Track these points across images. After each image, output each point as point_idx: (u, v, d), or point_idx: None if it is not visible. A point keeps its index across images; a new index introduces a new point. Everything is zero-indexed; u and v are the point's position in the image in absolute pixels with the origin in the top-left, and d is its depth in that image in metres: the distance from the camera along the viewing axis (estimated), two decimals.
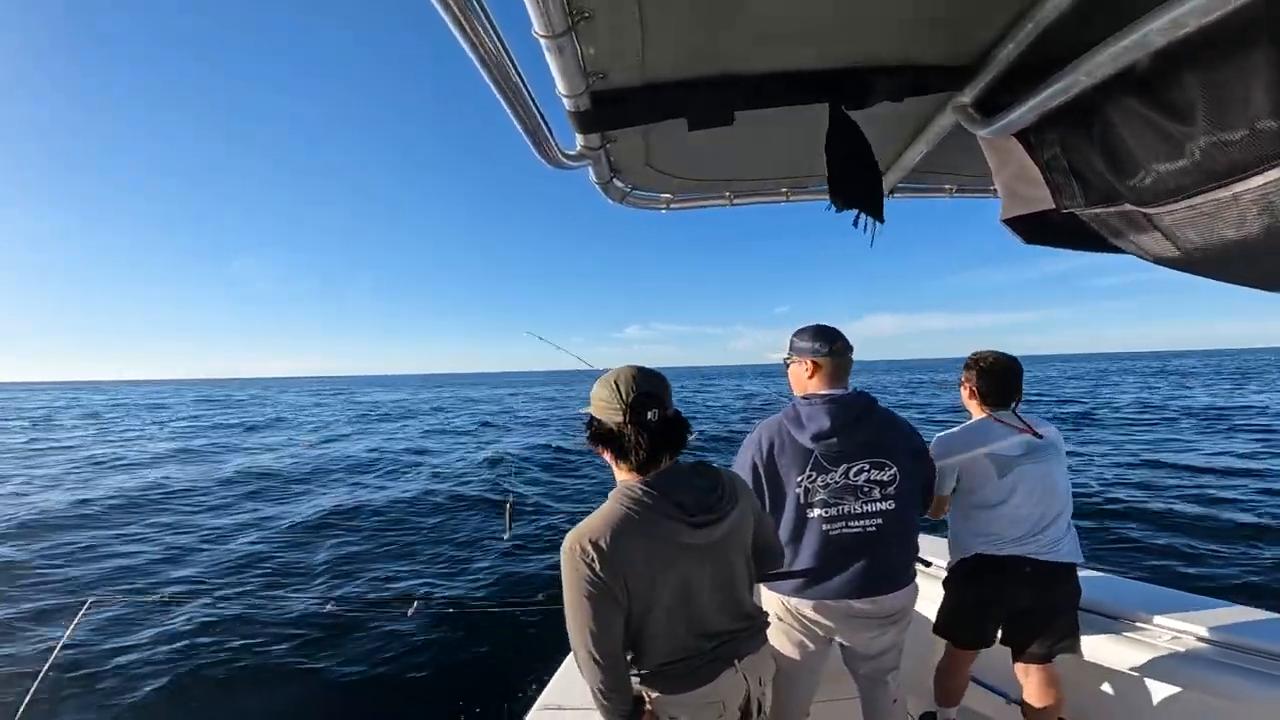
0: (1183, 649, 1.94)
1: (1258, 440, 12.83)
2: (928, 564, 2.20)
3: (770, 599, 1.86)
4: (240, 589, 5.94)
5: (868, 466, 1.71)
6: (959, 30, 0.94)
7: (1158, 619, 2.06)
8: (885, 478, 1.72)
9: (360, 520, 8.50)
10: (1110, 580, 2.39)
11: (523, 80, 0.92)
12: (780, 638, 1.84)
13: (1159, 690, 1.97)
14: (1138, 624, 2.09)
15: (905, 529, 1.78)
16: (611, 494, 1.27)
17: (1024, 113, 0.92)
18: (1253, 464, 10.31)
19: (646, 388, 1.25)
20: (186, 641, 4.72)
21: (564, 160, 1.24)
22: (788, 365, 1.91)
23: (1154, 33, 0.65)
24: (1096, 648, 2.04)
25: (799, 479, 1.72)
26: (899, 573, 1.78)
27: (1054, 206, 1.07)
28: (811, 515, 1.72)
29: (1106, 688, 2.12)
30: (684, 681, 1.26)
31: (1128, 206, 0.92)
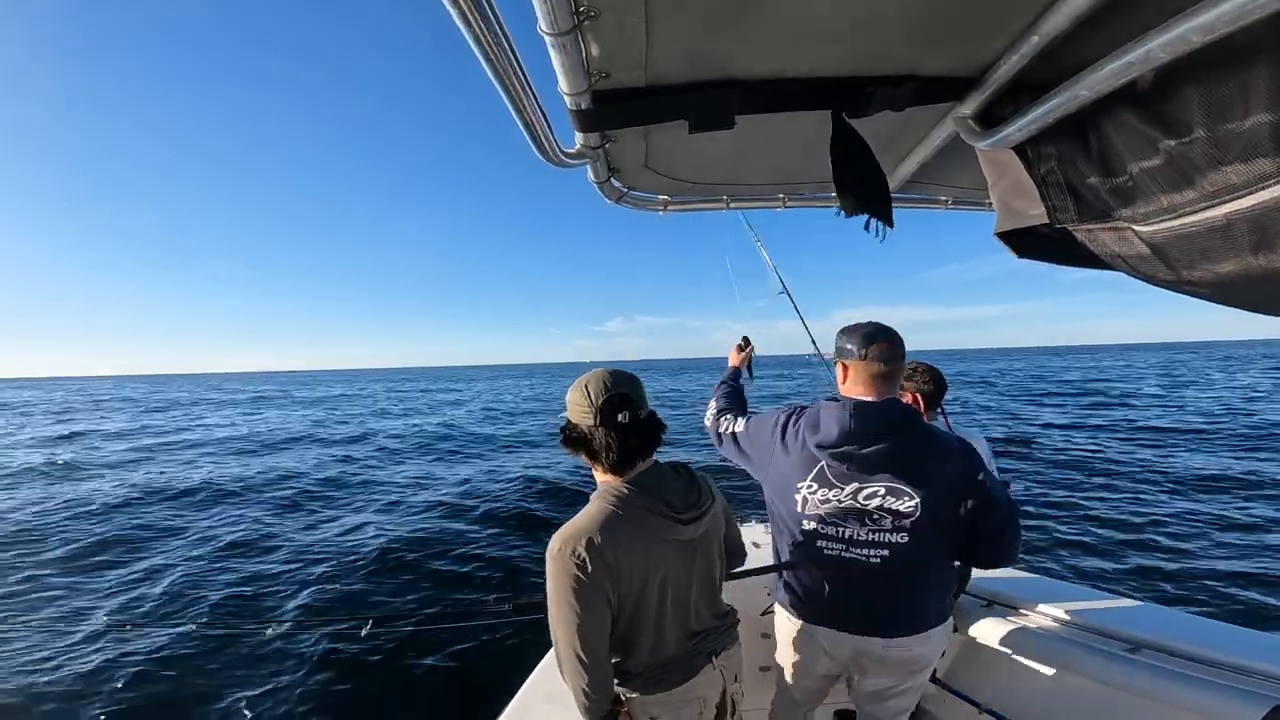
0: (1062, 632, 2.10)
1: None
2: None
3: (781, 619, 1.76)
4: (182, 607, 5.41)
5: (883, 491, 1.49)
6: (964, 42, 0.94)
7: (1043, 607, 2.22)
8: (903, 508, 1.48)
9: (304, 537, 7.65)
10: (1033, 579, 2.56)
11: (525, 76, 0.91)
12: (785, 656, 1.73)
13: (1047, 672, 2.12)
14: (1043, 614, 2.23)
15: (919, 569, 1.52)
16: (595, 494, 1.27)
17: (1023, 126, 0.93)
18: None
19: (617, 390, 1.26)
20: (119, 662, 4.34)
21: (562, 158, 1.24)
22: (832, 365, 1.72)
23: (1158, 49, 0.65)
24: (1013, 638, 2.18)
25: (800, 485, 1.58)
26: (906, 616, 1.54)
27: (1047, 221, 1.08)
28: (808, 528, 1.58)
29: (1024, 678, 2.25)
30: (666, 680, 1.28)
31: (1120, 223, 0.92)
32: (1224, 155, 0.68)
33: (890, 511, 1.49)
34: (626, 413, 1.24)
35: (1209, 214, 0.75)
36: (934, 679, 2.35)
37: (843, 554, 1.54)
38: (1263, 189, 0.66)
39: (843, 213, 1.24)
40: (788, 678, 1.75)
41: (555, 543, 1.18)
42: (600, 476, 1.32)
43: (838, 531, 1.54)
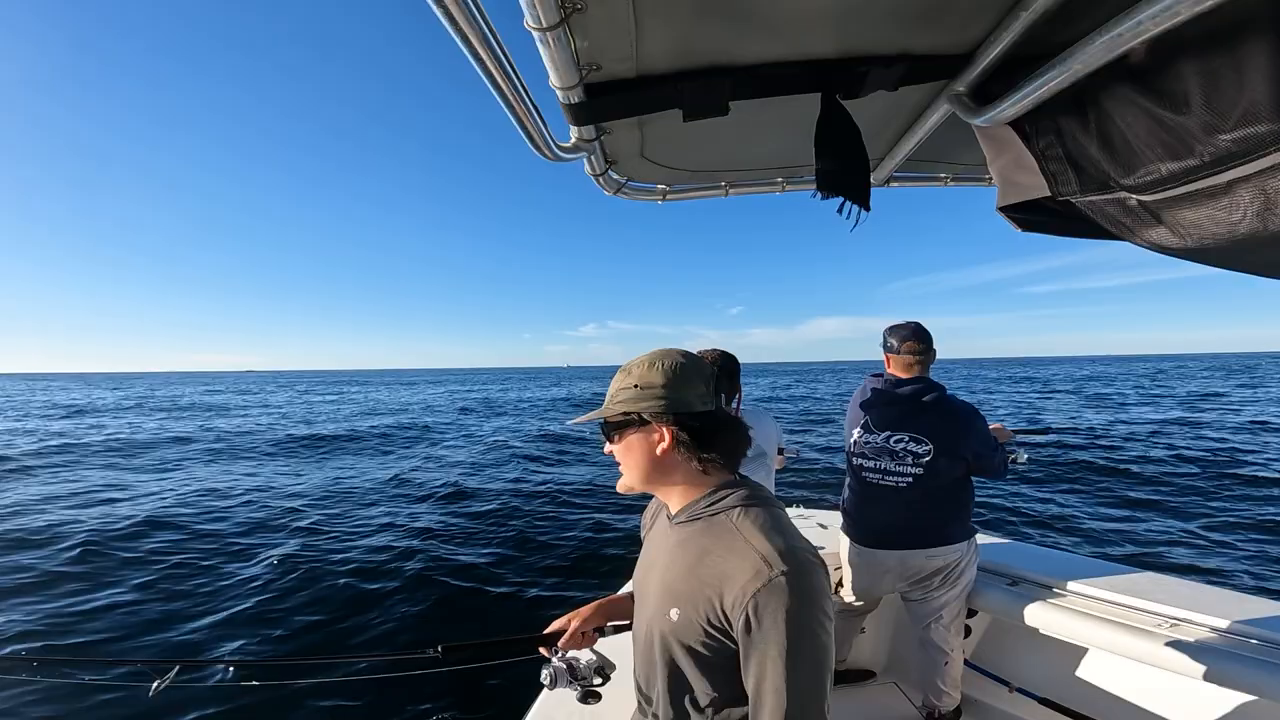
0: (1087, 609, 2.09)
1: None
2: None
3: (844, 547, 2.34)
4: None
5: (906, 439, 2.14)
6: (953, 19, 0.93)
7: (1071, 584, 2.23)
8: (920, 450, 2.12)
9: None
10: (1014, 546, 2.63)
11: (515, 73, 0.92)
12: (848, 576, 2.33)
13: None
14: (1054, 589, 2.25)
15: (933, 495, 2.14)
16: (734, 499, 0.97)
17: (1018, 101, 0.92)
18: None
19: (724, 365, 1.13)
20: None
21: (558, 153, 1.24)
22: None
23: (1147, 20, 0.65)
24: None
25: (854, 433, 2.28)
26: (923, 532, 2.14)
27: (1049, 194, 1.07)
28: (856, 463, 2.27)
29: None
30: None
31: (1123, 194, 0.92)
32: (1222, 124, 0.67)
33: (911, 453, 2.13)
34: (738, 396, 1.20)
35: (1210, 181, 0.74)
36: (967, 663, 2.38)
37: (880, 481, 2.18)
38: (1262, 156, 0.66)
39: (819, 195, 1.24)
40: (848, 594, 2.36)
41: (794, 560, 0.85)
42: (700, 484, 1.01)
43: (875, 465, 2.19)
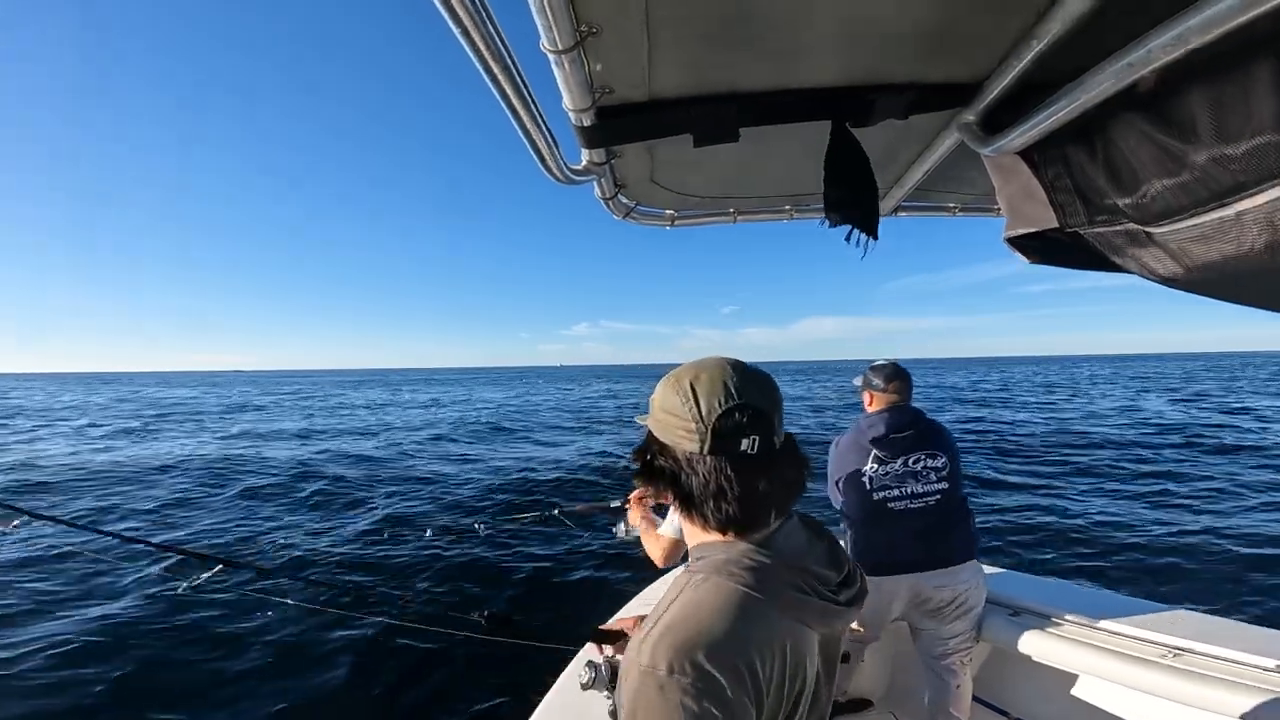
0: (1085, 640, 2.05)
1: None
2: None
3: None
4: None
5: (923, 456, 2.23)
6: (964, 48, 0.95)
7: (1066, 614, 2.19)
8: (938, 464, 2.23)
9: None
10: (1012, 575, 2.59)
11: (531, 96, 0.93)
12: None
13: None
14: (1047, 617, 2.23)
15: (959, 508, 2.23)
16: (701, 566, 0.80)
17: (1028, 130, 0.92)
18: None
19: (746, 398, 0.79)
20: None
21: (569, 175, 1.25)
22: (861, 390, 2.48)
23: (1157, 49, 0.65)
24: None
25: (866, 469, 2.25)
26: (962, 546, 2.17)
27: (1057, 225, 1.07)
28: (876, 498, 2.21)
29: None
30: None
31: (1131, 225, 0.91)
32: (1232, 153, 0.67)
33: (932, 469, 2.21)
34: (756, 438, 0.78)
35: (1220, 213, 0.74)
36: None
37: (908, 506, 2.19)
38: (1273, 186, 0.65)
39: (827, 223, 1.25)
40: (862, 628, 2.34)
41: (652, 652, 0.68)
42: (702, 536, 0.85)
43: (902, 490, 2.21)
